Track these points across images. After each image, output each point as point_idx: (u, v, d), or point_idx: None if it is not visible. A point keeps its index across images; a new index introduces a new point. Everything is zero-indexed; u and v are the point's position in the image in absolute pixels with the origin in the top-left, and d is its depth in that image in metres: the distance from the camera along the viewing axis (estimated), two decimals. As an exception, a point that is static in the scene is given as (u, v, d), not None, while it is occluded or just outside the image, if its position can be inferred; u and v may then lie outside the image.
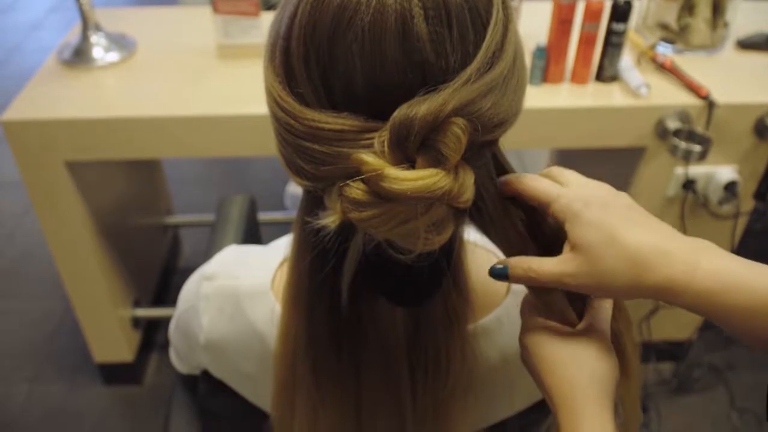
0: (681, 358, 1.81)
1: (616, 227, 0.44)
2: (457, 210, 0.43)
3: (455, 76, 0.40)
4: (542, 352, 0.49)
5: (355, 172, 0.40)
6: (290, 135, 0.43)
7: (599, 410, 0.46)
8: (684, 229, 1.49)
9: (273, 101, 0.44)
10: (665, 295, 0.43)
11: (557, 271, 0.46)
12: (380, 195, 0.40)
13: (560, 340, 0.49)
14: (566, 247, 0.47)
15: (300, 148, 0.42)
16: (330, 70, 0.41)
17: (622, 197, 0.48)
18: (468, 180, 0.41)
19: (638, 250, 0.43)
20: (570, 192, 0.47)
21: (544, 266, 0.47)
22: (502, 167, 0.49)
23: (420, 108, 0.39)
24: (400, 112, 0.39)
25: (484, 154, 0.45)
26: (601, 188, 0.48)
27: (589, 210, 0.45)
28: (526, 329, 0.51)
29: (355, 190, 0.40)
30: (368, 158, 0.39)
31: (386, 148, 0.40)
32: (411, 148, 0.39)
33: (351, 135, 0.40)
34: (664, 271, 0.43)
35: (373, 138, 0.40)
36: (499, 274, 0.49)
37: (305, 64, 0.41)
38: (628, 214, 0.46)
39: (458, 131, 0.39)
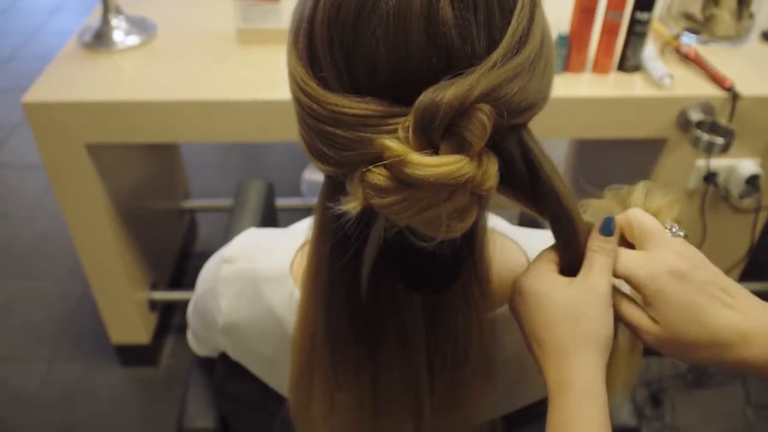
0: (697, 352, 1.80)
1: (701, 308, 0.47)
2: (480, 197, 0.42)
3: (481, 61, 0.39)
4: (541, 302, 0.50)
5: (378, 157, 0.40)
6: (313, 119, 0.43)
7: (590, 364, 0.48)
8: (704, 223, 1.47)
9: (296, 85, 0.44)
10: (742, 370, 0.48)
11: (642, 326, 0.49)
12: (403, 181, 0.39)
13: (560, 294, 0.50)
14: (648, 311, 0.49)
15: (322, 132, 0.42)
16: (354, 54, 0.40)
17: (701, 265, 0.49)
18: (491, 168, 0.41)
19: (720, 333, 0.47)
20: (651, 262, 0.49)
21: (631, 311, 0.50)
22: (530, 154, 0.48)
23: (446, 93, 0.38)
24: (426, 97, 0.39)
25: (511, 141, 0.45)
26: (678, 253, 0.49)
27: (671, 287, 0.48)
28: (529, 274, 0.52)
29: (378, 175, 0.40)
30: (391, 143, 0.39)
31: (410, 134, 0.39)
32: (435, 133, 0.39)
33: (374, 120, 0.40)
34: (743, 353, 0.47)
35: (396, 123, 0.40)
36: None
37: (329, 48, 0.41)
38: (710, 290, 0.48)
39: (483, 118, 0.39)
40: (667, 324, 0.48)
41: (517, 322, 0.53)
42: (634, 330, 0.50)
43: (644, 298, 0.49)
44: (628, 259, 0.50)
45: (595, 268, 0.50)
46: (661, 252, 0.49)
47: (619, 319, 0.51)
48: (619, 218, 0.52)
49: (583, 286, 0.49)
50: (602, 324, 0.49)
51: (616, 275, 0.50)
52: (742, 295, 0.49)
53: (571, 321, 0.49)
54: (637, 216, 0.52)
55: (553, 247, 0.53)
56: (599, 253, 0.50)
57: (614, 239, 0.50)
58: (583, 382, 0.48)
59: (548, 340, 0.49)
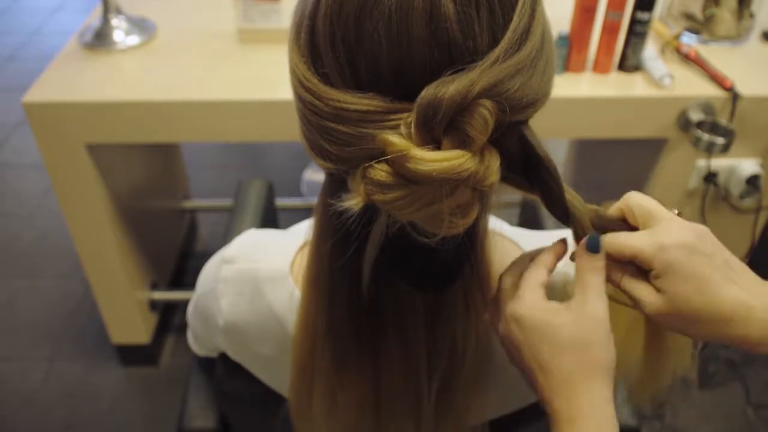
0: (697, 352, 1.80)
1: (707, 280, 0.47)
2: (482, 193, 0.42)
3: (482, 57, 0.39)
4: (545, 332, 0.49)
5: (380, 153, 0.40)
6: (314, 116, 0.43)
7: (601, 395, 0.47)
8: (704, 223, 1.47)
9: (297, 82, 0.44)
10: (740, 346, 0.48)
11: (644, 298, 0.49)
12: (405, 176, 0.39)
13: (565, 322, 0.49)
14: (655, 283, 0.49)
15: (324, 129, 0.42)
16: (356, 50, 0.40)
17: (707, 237, 0.49)
18: (494, 163, 0.41)
19: (723, 307, 0.47)
20: (656, 236, 0.48)
21: (633, 284, 0.50)
22: (530, 153, 0.47)
23: (448, 88, 0.38)
24: (428, 92, 0.39)
25: (512, 137, 0.45)
26: (684, 227, 0.49)
27: (680, 258, 0.47)
28: (523, 303, 0.50)
29: (380, 171, 0.40)
30: (394, 139, 0.39)
31: (412, 129, 0.39)
32: (437, 129, 0.39)
33: (376, 116, 0.40)
34: (743, 329, 0.47)
35: (398, 119, 0.40)
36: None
37: (331, 44, 0.41)
38: (716, 263, 0.48)
39: (485, 113, 0.39)
40: (673, 295, 0.48)
41: (513, 350, 0.51)
42: (636, 302, 0.50)
43: (653, 272, 0.49)
44: (633, 238, 0.49)
45: (591, 292, 0.49)
46: (666, 226, 0.49)
47: (621, 291, 0.51)
48: (619, 204, 0.52)
49: (584, 312, 0.48)
50: (608, 351, 0.48)
51: (623, 257, 0.49)
52: (744, 271, 0.49)
53: (579, 350, 0.48)
54: (636, 199, 0.51)
55: (538, 265, 0.52)
56: (590, 274, 0.49)
57: (602, 256, 0.50)
58: (597, 414, 0.47)
59: (556, 369, 0.48)
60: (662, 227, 0.49)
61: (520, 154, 0.46)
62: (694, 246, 0.48)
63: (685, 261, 0.47)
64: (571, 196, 0.50)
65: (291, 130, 1.19)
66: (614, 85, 1.32)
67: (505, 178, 0.45)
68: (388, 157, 0.39)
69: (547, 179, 0.47)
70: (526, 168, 0.47)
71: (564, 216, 0.50)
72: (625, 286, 0.50)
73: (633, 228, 0.52)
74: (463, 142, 0.39)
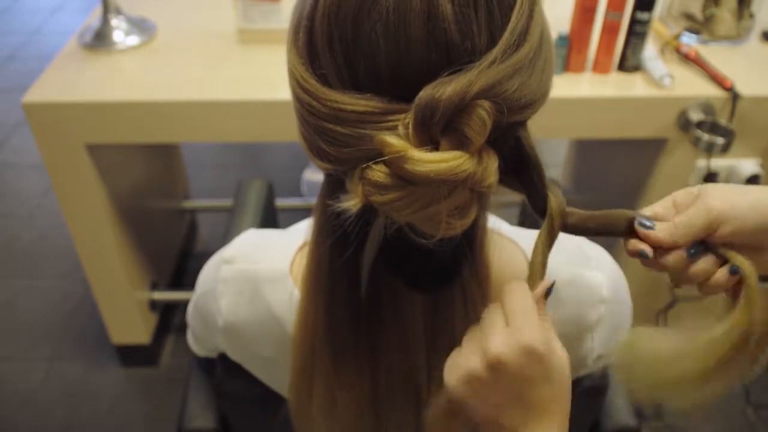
0: (697, 352, 1.80)
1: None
2: (480, 194, 0.42)
3: (480, 57, 0.39)
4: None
5: (377, 154, 0.40)
6: (312, 117, 0.43)
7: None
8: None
9: (295, 82, 0.44)
10: None
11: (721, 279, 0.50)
12: (403, 177, 0.39)
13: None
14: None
15: (322, 130, 0.42)
16: (354, 51, 0.40)
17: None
18: (492, 164, 0.41)
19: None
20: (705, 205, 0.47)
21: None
22: (525, 155, 0.47)
23: (446, 89, 0.38)
24: (426, 93, 0.38)
25: (510, 138, 0.45)
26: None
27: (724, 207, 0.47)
28: (539, 332, 0.47)
29: (377, 172, 0.40)
30: (391, 140, 0.39)
31: (410, 130, 0.39)
32: (435, 130, 0.39)
33: (374, 117, 0.40)
34: None
35: (396, 120, 0.40)
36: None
37: (329, 45, 0.41)
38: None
39: (483, 114, 0.39)
40: (738, 228, 0.47)
41: (509, 387, 0.47)
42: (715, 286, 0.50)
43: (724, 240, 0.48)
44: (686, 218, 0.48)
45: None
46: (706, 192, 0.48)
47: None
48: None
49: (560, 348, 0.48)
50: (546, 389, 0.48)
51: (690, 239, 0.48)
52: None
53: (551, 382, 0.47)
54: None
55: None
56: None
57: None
58: None
59: (537, 401, 0.47)
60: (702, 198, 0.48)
61: (514, 155, 0.46)
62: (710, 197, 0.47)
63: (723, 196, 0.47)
64: (555, 199, 0.49)
65: (291, 130, 1.19)
66: (614, 85, 1.32)
67: (500, 180, 0.45)
68: (386, 158, 0.39)
69: (535, 181, 0.47)
70: (518, 169, 0.47)
71: (543, 216, 0.50)
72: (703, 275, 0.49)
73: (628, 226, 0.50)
74: (461, 143, 0.39)
